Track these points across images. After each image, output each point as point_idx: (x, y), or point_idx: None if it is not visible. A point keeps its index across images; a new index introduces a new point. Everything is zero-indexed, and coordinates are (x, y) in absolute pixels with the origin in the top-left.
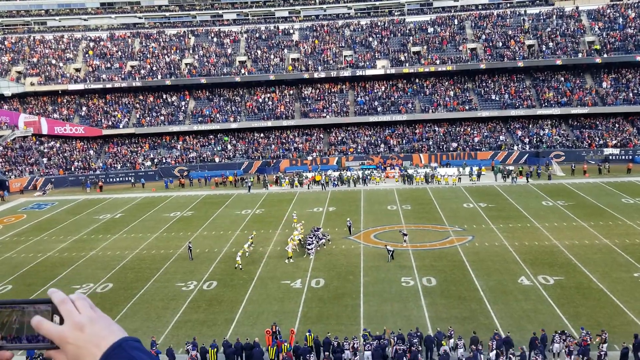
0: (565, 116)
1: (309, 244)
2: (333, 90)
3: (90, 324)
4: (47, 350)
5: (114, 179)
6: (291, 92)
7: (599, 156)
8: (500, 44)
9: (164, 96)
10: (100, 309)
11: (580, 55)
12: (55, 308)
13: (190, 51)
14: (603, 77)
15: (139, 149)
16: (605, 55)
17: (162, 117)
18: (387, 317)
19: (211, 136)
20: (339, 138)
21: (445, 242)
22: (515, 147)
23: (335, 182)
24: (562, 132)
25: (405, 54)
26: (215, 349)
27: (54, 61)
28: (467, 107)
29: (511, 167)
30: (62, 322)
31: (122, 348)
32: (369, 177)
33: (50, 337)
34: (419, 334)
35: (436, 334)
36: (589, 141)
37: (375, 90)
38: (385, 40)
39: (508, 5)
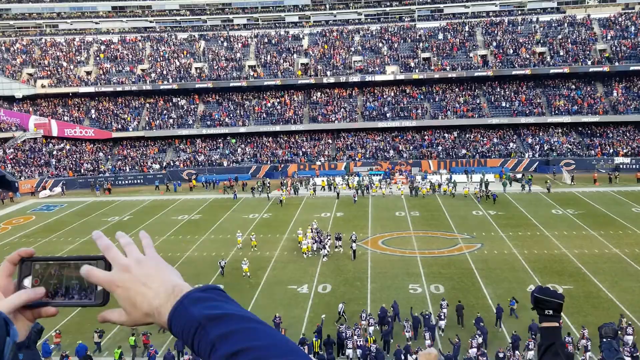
0: (575, 124)
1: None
2: (342, 95)
3: (136, 265)
4: (92, 307)
5: (123, 182)
6: (300, 97)
7: (610, 165)
8: (511, 51)
9: (174, 99)
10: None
11: (591, 63)
12: (101, 265)
13: (200, 55)
14: (614, 85)
15: (148, 151)
16: (616, 64)
17: (172, 121)
18: (401, 340)
19: (220, 140)
20: (348, 143)
21: (454, 249)
22: (526, 155)
23: (362, 191)
24: (573, 140)
25: (415, 60)
26: None
27: (65, 64)
28: (476, 114)
29: (520, 175)
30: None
31: (183, 305)
32: (370, 186)
33: (100, 284)
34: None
35: (424, 317)
36: (600, 149)
37: (385, 96)
38: (395, 46)
39: (519, 12)
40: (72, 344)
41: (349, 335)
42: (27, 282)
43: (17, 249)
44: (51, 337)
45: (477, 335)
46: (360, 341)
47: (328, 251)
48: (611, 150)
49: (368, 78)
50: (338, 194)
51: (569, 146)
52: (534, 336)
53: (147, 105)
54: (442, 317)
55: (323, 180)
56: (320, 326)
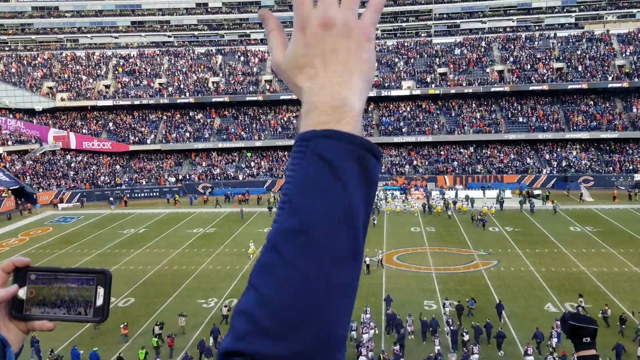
0: (594, 140)
1: None
2: None
3: (344, 28)
4: (89, 322)
5: (139, 194)
6: None
7: (629, 181)
8: (528, 66)
9: (190, 113)
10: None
11: (610, 78)
12: (100, 279)
13: (217, 70)
14: (634, 101)
15: (164, 164)
16: (636, 79)
17: (188, 134)
18: (411, 346)
19: (235, 153)
20: None
21: (470, 265)
22: (543, 171)
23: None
24: (591, 156)
25: (432, 75)
26: None
27: (84, 77)
28: (493, 130)
29: (538, 191)
30: (106, 294)
31: (306, 141)
32: (384, 202)
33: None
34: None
35: (431, 321)
36: (619, 166)
37: (400, 111)
38: (412, 61)
39: (536, 28)
40: (109, 346)
41: (361, 336)
42: (22, 292)
43: (35, 260)
44: (119, 328)
45: (463, 333)
46: (371, 344)
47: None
48: (631, 167)
49: (384, 93)
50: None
51: (588, 162)
52: (538, 342)
53: (164, 118)
54: (451, 322)
55: None
56: None
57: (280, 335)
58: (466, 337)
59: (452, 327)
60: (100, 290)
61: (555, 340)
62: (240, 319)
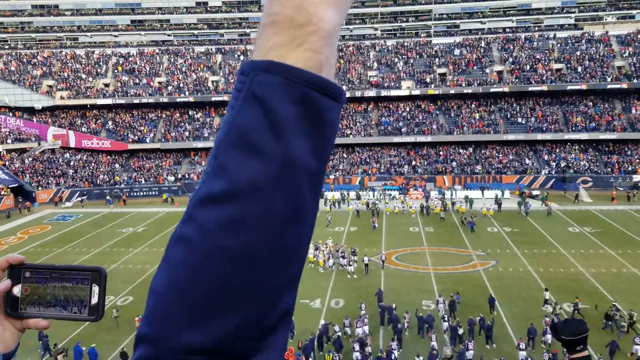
0: (593, 141)
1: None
2: (357, 110)
3: None
4: (85, 321)
5: (138, 193)
6: None
7: (628, 182)
8: (528, 67)
9: (190, 112)
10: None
11: (609, 79)
12: (95, 277)
13: (217, 69)
14: (633, 102)
15: (164, 163)
16: (635, 81)
17: (187, 133)
18: (407, 341)
19: None
20: (362, 157)
21: (468, 266)
22: (542, 172)
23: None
24: (590, 157)
25: (431, 75)
26: None
27: (84, 76)
28: (492, 130)
29: (537, 192)
30: (101, 292)
31: (244, 76)
32: (380, 203)
33: None
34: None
35: (427, 317)
36: (618, 167)
37: (400, 111)
38: (411, 61)
39: (536, 28)
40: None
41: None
42: (17, 290)
43: (34, 258)
44: (134, 321)
45: (458, 327)
46: (368, 340)
47: (353, 269)
48: (629, 168)
49: (383, 93)
50: (358, 212)
51: (586, 163)
52: (531, 337)
53: (164, 117)
54: (446, 318)
55: (333, 195)
56: (322, 331)
57: (193, 323)
58: (461, 331)
59: (450, 324)
60: (95, 289)
61: (549, 336)
62: (151, 298)
